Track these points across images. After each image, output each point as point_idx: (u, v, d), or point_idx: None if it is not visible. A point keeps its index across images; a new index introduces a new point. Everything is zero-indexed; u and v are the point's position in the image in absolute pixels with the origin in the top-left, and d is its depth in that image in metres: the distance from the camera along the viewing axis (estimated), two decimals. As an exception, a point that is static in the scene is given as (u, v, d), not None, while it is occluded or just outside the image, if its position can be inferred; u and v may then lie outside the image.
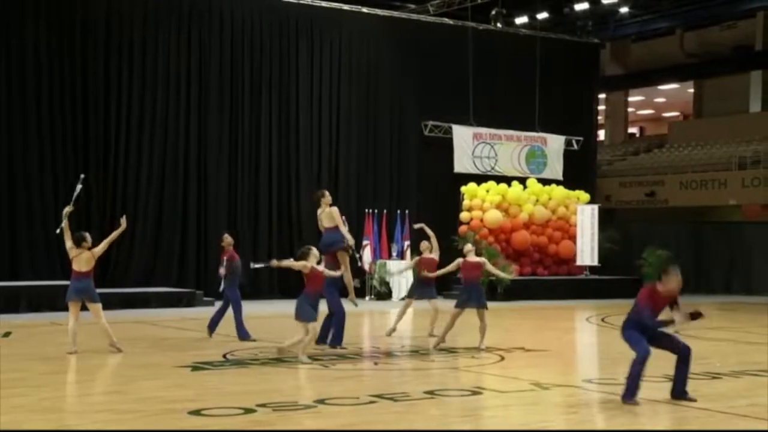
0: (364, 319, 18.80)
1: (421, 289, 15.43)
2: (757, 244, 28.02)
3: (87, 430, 6.34)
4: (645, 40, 39.89)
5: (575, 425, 8.56)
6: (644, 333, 9.05)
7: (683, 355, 9.17)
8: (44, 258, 20.84)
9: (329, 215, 13.41)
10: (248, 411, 8.43)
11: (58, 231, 12.94)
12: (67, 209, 12.76)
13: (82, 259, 12.57)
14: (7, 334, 14.91)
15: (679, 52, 39.60)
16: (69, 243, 12.62)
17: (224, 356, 12.17)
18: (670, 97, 46.64)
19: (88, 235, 12.75)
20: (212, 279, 22.97)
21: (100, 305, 12.66)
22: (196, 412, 8.34)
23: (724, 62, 38.39)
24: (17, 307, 18.89)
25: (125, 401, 9.20)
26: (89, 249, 12.65)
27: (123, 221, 13.30)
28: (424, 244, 15.51)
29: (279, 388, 9.98)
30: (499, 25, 30.48)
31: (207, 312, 19.60)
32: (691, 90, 42.64)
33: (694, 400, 9.17)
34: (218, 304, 15.31)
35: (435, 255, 15.19)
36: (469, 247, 14.19)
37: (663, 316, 9.09)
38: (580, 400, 9.78)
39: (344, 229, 13.35)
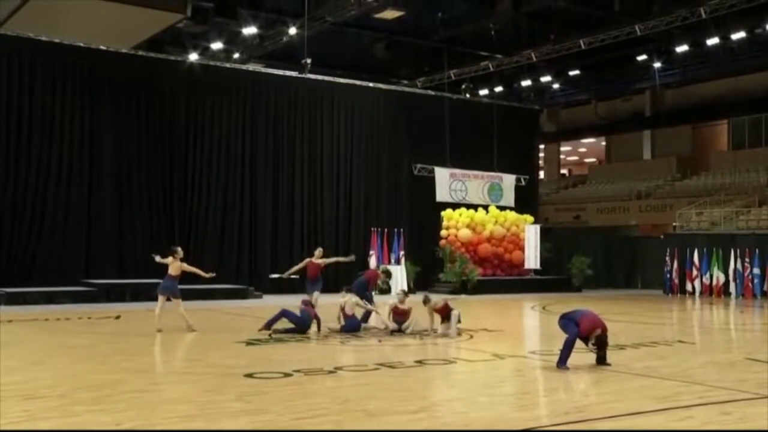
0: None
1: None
2: (649, 252, 28.10)
3: (97, 430, 5.82)
4: (570, 107, 40.06)
5: (523, 384, 8.47)
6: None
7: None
8: (142, 263, 20.73)
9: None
10: (286, 375, 8.34)
11: (157, 260, 13.00)
12: (154, 256, 13.04)
13: (174, 267, 12.63)
14: (118, 317, 14.98)
15: (594, 116, 39.72)
16: (164, 260, 12.78)
17: (269, 335, 12.04)
18: (589, 148, 46.64)
19: (180, 249, 12.97)
20: (261, 279, 23.03)
21: (180, 299, 12.66)
22: (249, 375, 8.26)
23: (624, 124, 38.67)
24: (124, 297, 18.95)
25: (198, 366, 9.15)
26: (180, 260, 12.68)
27: (212, 274, 13.28)
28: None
29: (309, 358, 9.88)
30: (467, 95, 30.62)
31: (257, 303, 19.59)
32: (604, 143, 42.68)
33: (609, 365, 9.11)
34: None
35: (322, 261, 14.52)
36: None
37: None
38: (527, 366, 9.68)
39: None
